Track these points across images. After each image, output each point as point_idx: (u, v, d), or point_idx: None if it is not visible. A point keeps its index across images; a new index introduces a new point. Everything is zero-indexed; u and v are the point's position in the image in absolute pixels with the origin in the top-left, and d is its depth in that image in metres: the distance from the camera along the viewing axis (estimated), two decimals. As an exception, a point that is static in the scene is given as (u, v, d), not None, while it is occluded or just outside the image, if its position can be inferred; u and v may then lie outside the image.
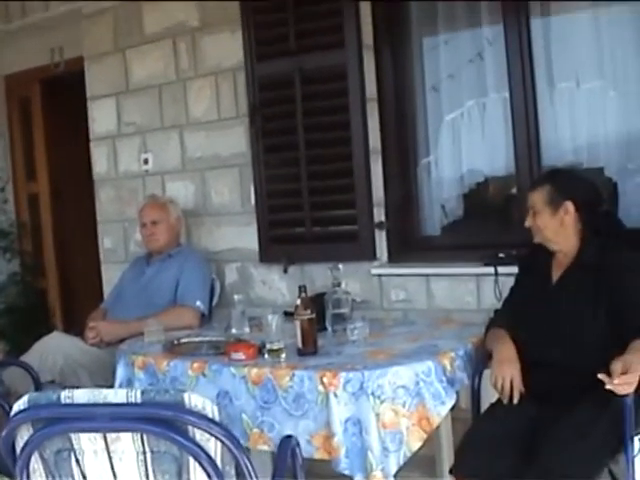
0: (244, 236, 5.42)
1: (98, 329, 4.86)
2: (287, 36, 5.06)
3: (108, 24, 5.99)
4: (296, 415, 3.44)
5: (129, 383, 4.05)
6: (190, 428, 2.32)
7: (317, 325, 3.80)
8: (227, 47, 5.39)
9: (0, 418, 3.94)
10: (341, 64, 4.92)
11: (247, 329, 4.34)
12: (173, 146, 5.74)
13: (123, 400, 2.33)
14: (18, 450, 2.53)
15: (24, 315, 7.33)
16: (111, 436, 2.38)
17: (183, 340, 4.21)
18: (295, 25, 5.02)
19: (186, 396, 2.29)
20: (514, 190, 4.78)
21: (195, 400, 2.29)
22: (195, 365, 3.77)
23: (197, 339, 4.26)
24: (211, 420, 2.30)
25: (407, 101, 5.03)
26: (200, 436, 2.32)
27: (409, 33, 5.03)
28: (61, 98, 7.25)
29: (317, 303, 3.95)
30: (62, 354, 4.76)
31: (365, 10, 4.91)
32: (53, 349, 4.80)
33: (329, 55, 4.95)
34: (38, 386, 4.48)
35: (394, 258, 4.99)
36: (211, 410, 2.30)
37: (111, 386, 4.12)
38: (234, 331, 4.33)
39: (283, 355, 3.67)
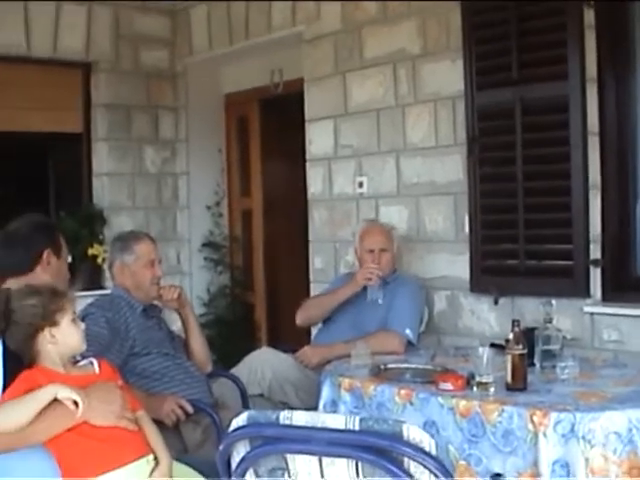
0: (455, 265, 5.38)
1: (304, 354, 4.94)
2: (509, 66, 5.00)
3: (329, 48, 6.12)
4: (505, 451, 3.38)
5: (333, 404, 4.10)
6: (406, 460, 2.32)
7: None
8: (447, 75, 5.39)
9: (209, 427, 4.07)
10: (563, 96, 4.82)
11: (453, 359, 4.34)
12: (389, 170, 5.77)
13: (341, 426, 2.35)
14: (234, 465, 2.60)
15: (231, 327, 7.54)
16: (326, 460, 2.41)
17: (390, 365, 4.24)
18: (518, 55, 4.96)
19: (405, 427, 2.30)
20: None
21: (413, 432, 2.29)
22: (402, 392, 3.77)
23: (403, 365, 4.27)
24: (427, 453, 2.30)
25: (630, 136, 4.87)
26: (414, 468, 2.32)
27: (634, 67, 4.87)
28: (278, 118, 7.47)
29: (527, 338, 3.89)
30: (271, 369, 4.87)
31: (590, 42, 4.79)
32: (262, 363, 4.92)
33: (551, 86, 4.87)
34: (245, 399, 4.59)
35: (608, 297, 4.82)
36: (428, 444, 2.30)
37: (316, 405, 4.20)
38: (439, 360, 4.33)
39: (492, 389, 3.63)
